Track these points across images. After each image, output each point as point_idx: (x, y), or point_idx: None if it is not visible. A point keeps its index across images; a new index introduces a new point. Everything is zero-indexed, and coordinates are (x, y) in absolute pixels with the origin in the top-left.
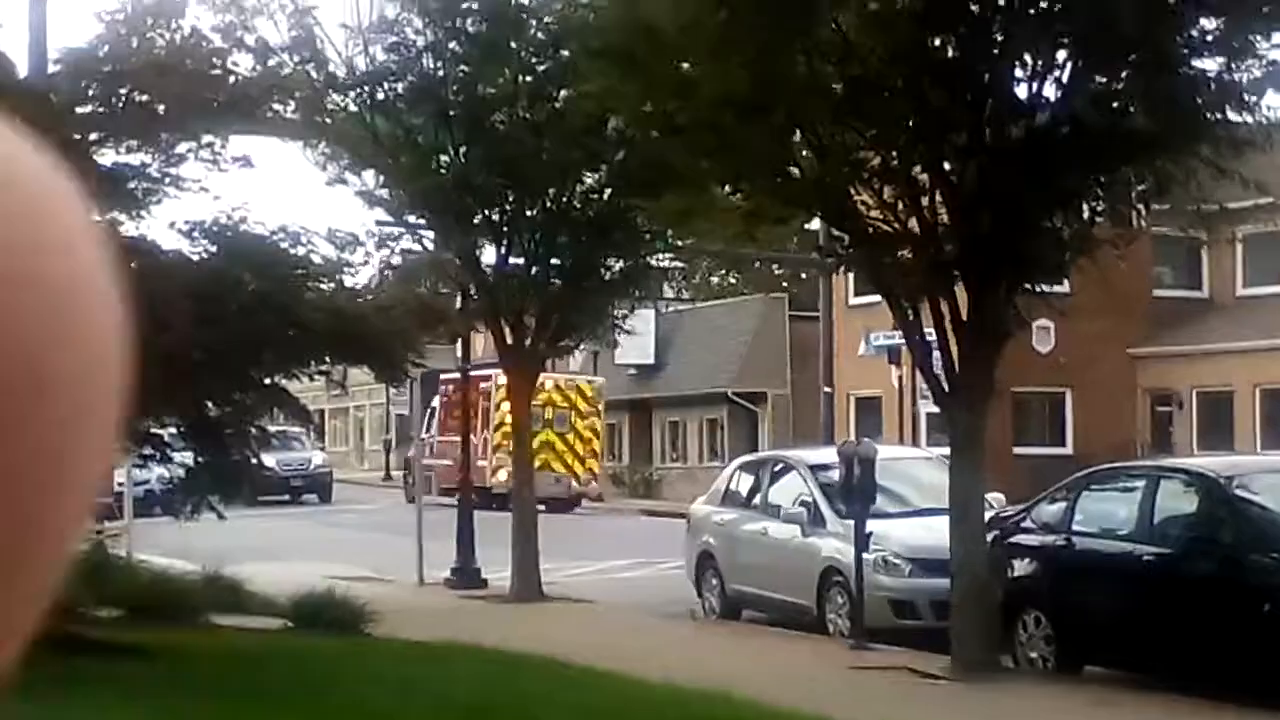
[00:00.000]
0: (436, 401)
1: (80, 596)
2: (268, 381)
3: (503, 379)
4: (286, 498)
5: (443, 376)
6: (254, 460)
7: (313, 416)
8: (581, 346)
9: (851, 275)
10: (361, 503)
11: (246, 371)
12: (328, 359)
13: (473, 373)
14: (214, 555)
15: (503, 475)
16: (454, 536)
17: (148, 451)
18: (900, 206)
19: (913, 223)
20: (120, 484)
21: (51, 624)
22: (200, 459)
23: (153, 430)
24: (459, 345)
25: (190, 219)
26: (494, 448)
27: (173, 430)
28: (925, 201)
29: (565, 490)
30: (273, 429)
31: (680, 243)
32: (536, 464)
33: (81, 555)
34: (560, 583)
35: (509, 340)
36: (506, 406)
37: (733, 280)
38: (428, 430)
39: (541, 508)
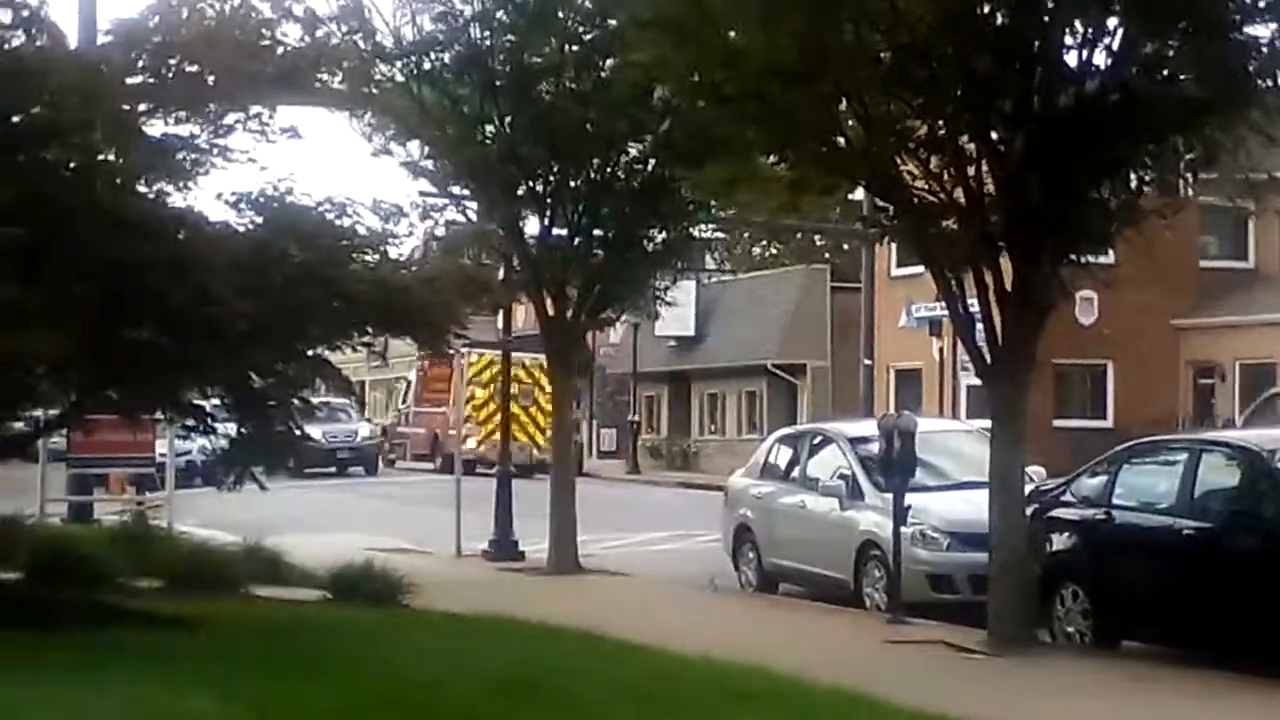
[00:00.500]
0: (413, 375)
1: (121, 567)
2: (311, 353)
3: (474, 356)
4: (333, 470)
5: (419, 353)
6: (298, 432)
7: (354, 388)
8: (623, 318)
9: (894, 246)
10: (405, 475)
11: (291, 343)
12: (371, 330)
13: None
14: (255, 527)
15: (471, 443)
16: (492, 509)
17: (190, 423)
18: (946, 176)
19: (958, 193)
20: (163, 455)
21: (92, 594)
22: (244, 430)
23: (195, 402)
24: (500, 317)
25: (237, 190)
26: (465, 419)
27: (216, 402)
28: (971, 171)
29: (528, 458)
30: (316, 400)
31: (724, 213)
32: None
33: (122, 526)
34: (597, 555)
35: (550, 312)
36: (479, 382)
37: (774, 251)
38: (404, 402)
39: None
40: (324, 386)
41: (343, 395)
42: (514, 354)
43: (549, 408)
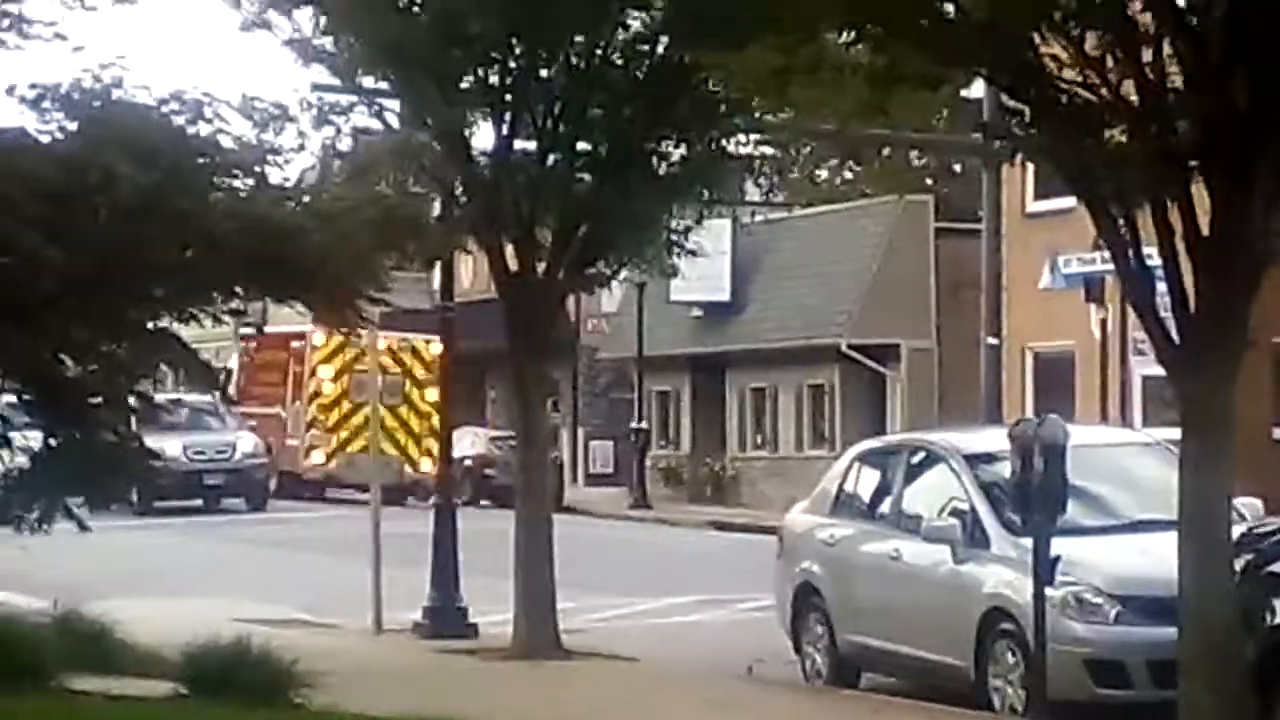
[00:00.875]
0: (234, 363)
1: None
2: (153, 325)
3: (319, 337)
4: (199, 503)
5: (242, 333)
6: (137, 444)
7: (219, 378)
8: (621, 275)
9: (1032, 168)
10: (304, 509)
11: (122, 310)
12: (242, 291)
13: (282, 330)
14: (73, 588)
15: (318, 457)
16: (429, 559)
17: None
18: (1110, 62)
19: (1128, 88)
20: None
21: None
22: (53, 441)
23: None
24: (436, 272)
25: (37, 81)
26: (308, 424)
27: (9, 399)
28: (1148, 56)
29: (397, 477)
30: (166, 398)
31: (772, 118)
32: (359, 444)
33: None
34: (587, 630)
35: (512, 266)
36: (326, 372)
37: (849, 176)
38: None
39: (364, 496)
40: (175, 375)
41: (203, 388)
42: (378, 332)
43: (425, 407)
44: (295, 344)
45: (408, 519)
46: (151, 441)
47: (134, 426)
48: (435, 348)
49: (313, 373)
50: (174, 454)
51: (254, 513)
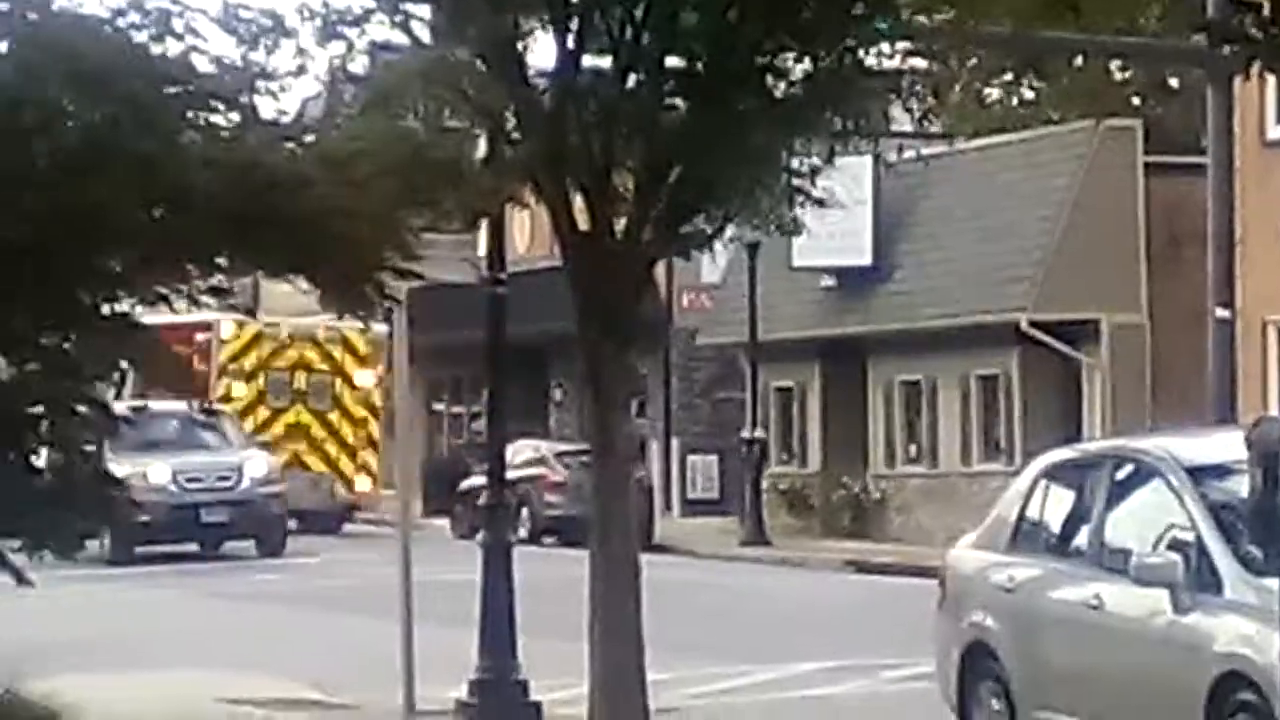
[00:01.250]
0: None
1: None
2: (109, 310)
3: (228, 327)
4: (197, 546)
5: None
6: (91, 468)
7: (196, 382)
8: (727, 234)
9: (1275, 81)
10: (318, 551)
11: (68, 289)
12: (226, 262)
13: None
14: (9, 660)
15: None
16: (476, 616)
17: None
18: None
19: None
20: None
21: None
22: None
23: None
24: (482, 234)
25: None
26: None
27: None
28: None
29: (326, 498)
30: (126, 405)
31: (925, 19)
32: (280, 459)
33: None
34: (684, 708)
35: (583, 224)
36: (243, 368)
37: (1028, 95)
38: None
39: (291, 525)
40: (140, 376)
41: (176, 391)
42: (294, 321)
43: (359, 411)
44: (200, 336)
45: (445, 561)
46: (128, 465)
47: (88, 444)
48: (373, 334)
49: (223, 370)
50: (160, 481)
51: (268, 558)
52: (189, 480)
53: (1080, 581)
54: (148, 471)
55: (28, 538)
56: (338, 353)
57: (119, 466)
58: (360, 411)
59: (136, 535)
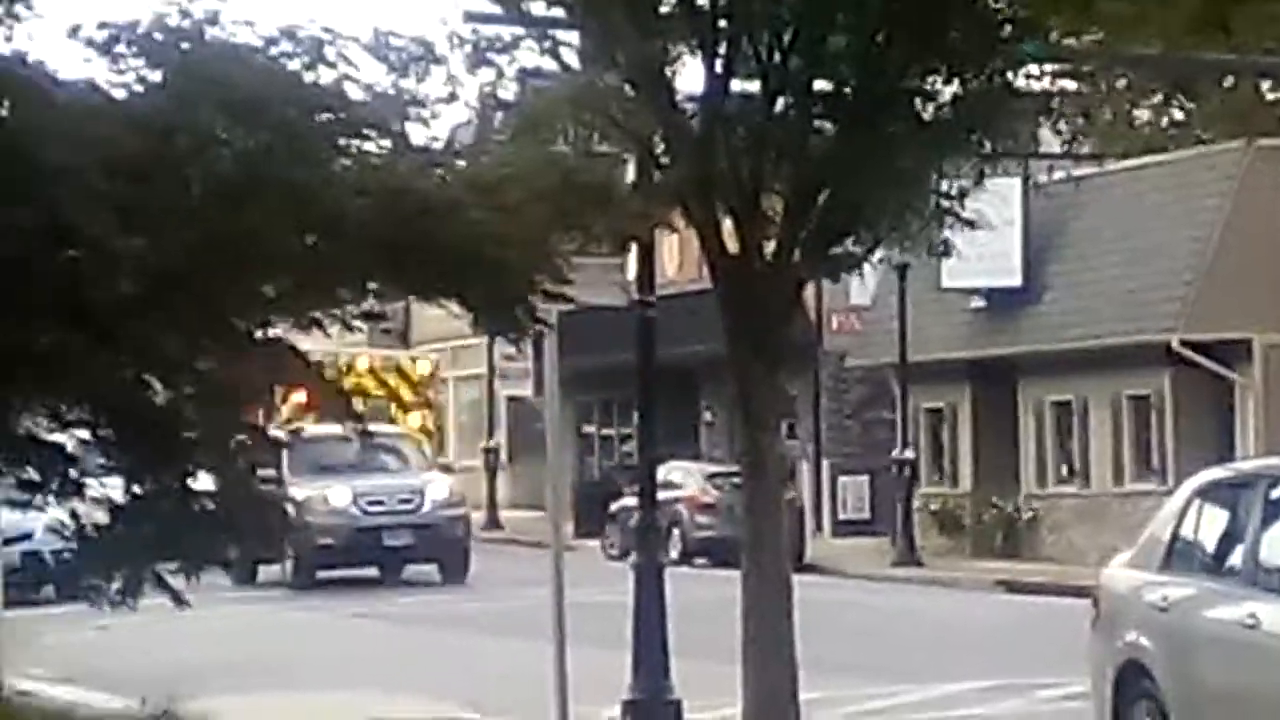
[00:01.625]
0: None
1: None
2: (263, 334)
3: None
4: (376, 570)
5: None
6: (257, 493)
7: (353, 405)
8: (876, 256)
9: None
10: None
11: (222, 315)
12: (378, 288)
13: None
14: (165, 681)
15: None
16: (629, 637)
17: (31, 476)
18: None
19: None
20: None
21: None
22: (137, 488)
23: (39, 435)
24: (632, 258)
25: (110, 20)
26: None
27: (81, 434)
28: None
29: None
30: (301, 432)
31: (1074, 41)
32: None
33: None
34: None
35: (731, 245)
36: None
37: (1179, 116)
38: None
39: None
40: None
41: (334, 415)
42: (346, 350)
43: (419, 435)
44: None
45: (597, 583)
46: (310, 488)
47: (249, 468)
48: (423, 366)
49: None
50: (341, 504)
51: (452, 582)
52: (370, 503)
53: (1235, 600)
54: (328, 494)
55: (186, 560)
56: (393, 381)
57: (298, 489)
58: (421, 435)
59: (318, 559)
